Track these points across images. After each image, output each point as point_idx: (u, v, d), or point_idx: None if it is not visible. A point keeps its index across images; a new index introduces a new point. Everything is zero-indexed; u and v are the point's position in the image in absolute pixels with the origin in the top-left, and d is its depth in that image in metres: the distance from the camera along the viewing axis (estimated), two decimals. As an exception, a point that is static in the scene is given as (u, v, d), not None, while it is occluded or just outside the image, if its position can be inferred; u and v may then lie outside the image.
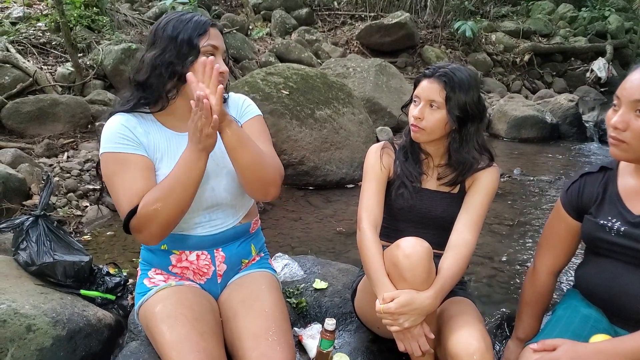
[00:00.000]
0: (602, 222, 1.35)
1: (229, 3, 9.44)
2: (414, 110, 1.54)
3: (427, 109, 1.51)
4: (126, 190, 1.34)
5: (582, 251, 1.53)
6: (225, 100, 1.57)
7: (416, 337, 1.36)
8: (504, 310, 2.31)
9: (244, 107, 1.57)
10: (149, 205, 1.30)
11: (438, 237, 1.55)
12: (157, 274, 1.54)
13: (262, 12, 9.11)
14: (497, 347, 1.88)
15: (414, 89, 1.58)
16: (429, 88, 1.51)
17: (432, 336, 1.39)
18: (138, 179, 1.35)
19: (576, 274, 1.51)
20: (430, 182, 1.63)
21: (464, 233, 1.50)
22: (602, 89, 9.72)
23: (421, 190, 1.62)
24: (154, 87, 1.39)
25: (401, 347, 1.40)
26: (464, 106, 1.49)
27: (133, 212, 1.31)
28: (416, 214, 1.61)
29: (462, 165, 1.56)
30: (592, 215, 1.39)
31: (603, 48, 10.53)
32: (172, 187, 1.31)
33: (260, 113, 1.60)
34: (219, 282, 1.57)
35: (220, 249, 1.54)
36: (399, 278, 1.36)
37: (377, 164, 1.62)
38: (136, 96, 1.42)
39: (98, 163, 1.44)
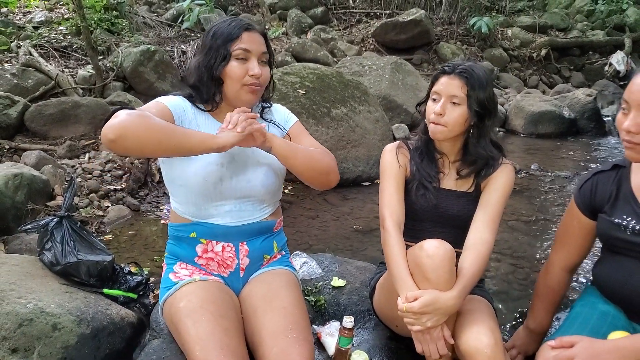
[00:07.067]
0: (617, 220, 1.34)
1: (245, 3, 9.50)
2: (434, 107, 1.54)
3: (449, 105, 1.52)
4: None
5: (599, 247, 1.52)
6: (270, 106, 1.69)
7: (435, 339, 1.37)
8: (523, 308, 2.30)
9: (286, 116, 1.72)
10: (142, 117, 1.28)
11: (455, 236, 1.55)
12: (182, 268, 1.59)
13: (277, 12, 9.15)
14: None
15: (431, 86, 1.59)
16: (450, 84, 1.52)
17: (452, 341, 1.38)
18: (154, 112, 1.38)
19: (593, 271, 1.50)
20: (446, 181, 1.64)
21: (481, 232, 1.50)
22: (621, 83, 9.52)
23: (438, 189, 1.62)
24: (202, 91, 1.53)
25: (419, 348, 1.41)
26: (483, 102, 1.51)
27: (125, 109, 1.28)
28: (434, 212, 1.62)
29: (479, 160, 1.58)
30: (606, 214, 1.38)
31: (621, 41, 10.34)
32: (169, 131, 1.31)
33: (297, 119, 1.75)
34: (241, 276, 1.60)
35: (244, 243, 1.59)
36: (422, 278, 1.36)
37: (394, 163, 1.64)
38: (193, 95, 1.56)
39: None
